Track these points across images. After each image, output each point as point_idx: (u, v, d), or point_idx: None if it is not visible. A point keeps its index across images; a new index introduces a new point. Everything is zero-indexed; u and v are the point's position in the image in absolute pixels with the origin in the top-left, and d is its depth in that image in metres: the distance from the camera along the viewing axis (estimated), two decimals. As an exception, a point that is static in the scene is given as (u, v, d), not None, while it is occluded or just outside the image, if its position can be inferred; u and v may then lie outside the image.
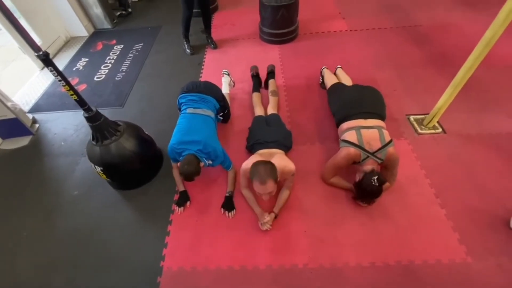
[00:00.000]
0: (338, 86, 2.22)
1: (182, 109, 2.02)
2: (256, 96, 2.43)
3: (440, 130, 2.18)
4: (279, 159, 1.70)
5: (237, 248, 1.70)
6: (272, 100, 2.36)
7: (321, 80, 2.60)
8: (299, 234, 1.73)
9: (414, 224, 1.71)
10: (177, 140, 1.80)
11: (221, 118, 2.22)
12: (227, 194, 1.90)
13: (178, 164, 1.79)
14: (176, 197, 1.97)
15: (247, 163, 1.70)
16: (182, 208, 1.89)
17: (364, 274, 1.54)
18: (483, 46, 1.58)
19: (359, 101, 1.91)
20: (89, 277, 1.67)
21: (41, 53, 1.34)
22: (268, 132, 1.98)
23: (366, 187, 1.61)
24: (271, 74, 2.62)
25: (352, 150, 1.69)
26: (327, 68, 2.58)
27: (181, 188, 1.96)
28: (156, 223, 1.87)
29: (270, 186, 1.50)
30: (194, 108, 1.95)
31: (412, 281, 1.50)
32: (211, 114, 1.99)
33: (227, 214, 1.84)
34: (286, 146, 1.99)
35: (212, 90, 2.10)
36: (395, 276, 1.53)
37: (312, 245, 1.68)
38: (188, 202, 1.92)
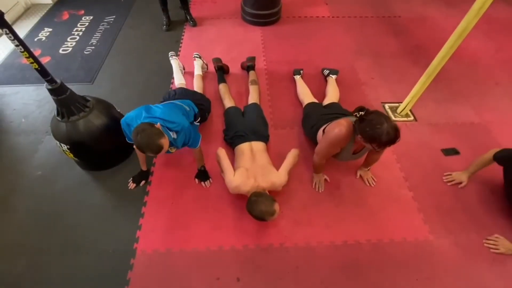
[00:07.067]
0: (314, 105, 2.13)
1: None
2: (223, 87, 2.33)
3: (412, 118, 2.28)
4: (268, 176, 1.64)
5: (214, 230, 1.69)
6: (252, 89, 2.30)
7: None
8: (276, 215, 1.75)
9: (385, 205, 1.80)
10: (132, 114, 1.59)
11: (198, 124, 2.00)
12: (200, 169, 1.87)
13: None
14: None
15: (234, 180, 1.62)
16: (135, 184, 1.84)
17: (336, 252, 1.61)
18: (456, 37, 1.65)
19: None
20: (55, 261, 1.57)
21: (-7, 12, 1.18)
22: (246, 124, 1.96)
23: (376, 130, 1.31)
24: (250, 67, 2.52)
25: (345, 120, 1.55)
26: (300, 76, 2.48)
27: (143, 168, 1.87)
28: (129, 205, 1.79)
29: (277, 209, 1.51)
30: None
31: (380, 257, 1.60)
32: (185, 107, 1.83)
33: (203, 184, 1.86)
34: (265, 136, 1.97)
35: (188, 94, 2.04)
36: (365, 253, 1.61)
37: (287, 226, 1.71)
38: (143, 182, 1.86)
